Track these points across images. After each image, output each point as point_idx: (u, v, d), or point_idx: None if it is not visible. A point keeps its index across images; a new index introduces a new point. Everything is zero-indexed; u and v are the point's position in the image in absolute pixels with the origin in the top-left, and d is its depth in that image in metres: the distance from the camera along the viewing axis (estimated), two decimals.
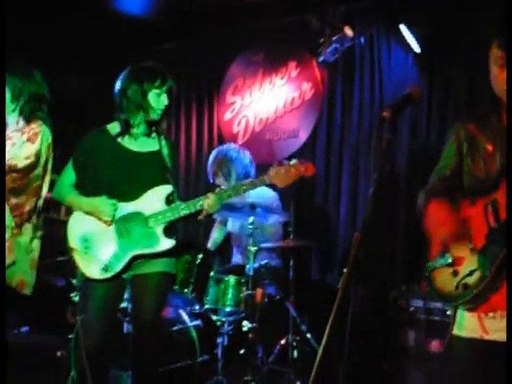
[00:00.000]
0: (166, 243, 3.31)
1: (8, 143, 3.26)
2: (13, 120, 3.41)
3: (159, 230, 3.30)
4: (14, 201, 3.25)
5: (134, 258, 3.28)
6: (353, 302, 2.03)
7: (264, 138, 5.96)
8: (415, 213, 2.65)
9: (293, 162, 3.44)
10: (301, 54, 5.83)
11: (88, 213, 3.35)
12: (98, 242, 3.29)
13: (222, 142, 6.17)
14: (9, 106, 3.41)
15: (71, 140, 3.65)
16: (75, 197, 3.42)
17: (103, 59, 6.42)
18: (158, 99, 3.38)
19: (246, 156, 5.02)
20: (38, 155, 3.29)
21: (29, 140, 3.27)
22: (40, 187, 3.38)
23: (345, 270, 2.04)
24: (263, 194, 4.82)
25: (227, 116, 6.27)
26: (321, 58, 5.46)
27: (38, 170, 3.34)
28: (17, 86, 3.39)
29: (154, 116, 3.41)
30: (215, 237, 5.32)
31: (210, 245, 5.26)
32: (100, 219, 3.30)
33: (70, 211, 5.38)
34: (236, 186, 3.47)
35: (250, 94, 6.14)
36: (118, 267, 3.25)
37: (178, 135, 6.48)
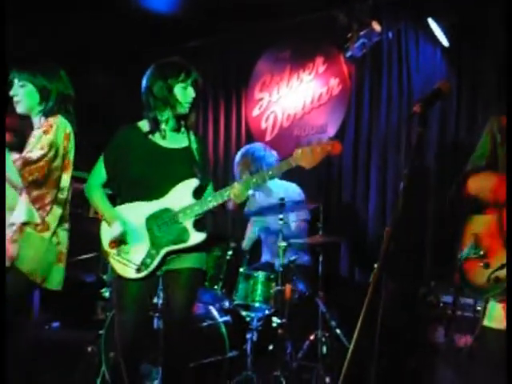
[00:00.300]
0: (197, 237, 3.30)
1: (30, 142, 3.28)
2: (38, 121, 3.41)
3: (189, 224, 3.30)
4: (34, 193, 3.20)
5: (167, 255, 3.29)
6: (384, 297, 2.03)
7: (292, 134, 5.96)
8: (445, 208, 2.65)
9: (318, 140, 3.33)
10: (328, 49, 5.83)
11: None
12: (130, 243, 3.30)
13: (250, 138, 6.19)
14: (36, 107, 3.39)
15: (99, 139, 3.65)
16: (100, 201, 3.43)
17: (130, 58, 6.46)
18: (184, 93, 3.37)
19: (272, 154, 5.01)
20: (53, 145, 3.23)
21: (44, 132, 3.24)
22: (59, 178, 3.31)
23: (376, 265, 2.04)
24: (289, 190, 4.83)
25: (255, 112, 6.29)
26: (348, 54, 5.46)
27: (57, 162, 3.27)
28: (45, 86, 3.36)
29: (182, 110, 3.40)
30: (250, 234, 5.32)
31: (244, 245, 5.26)
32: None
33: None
34: (261, 172, 3.40)
35: (277, 90, 6.15)
36: (152, 265, 3.25)
37: (206, 132, 6.50)
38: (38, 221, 3.24)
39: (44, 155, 3.21)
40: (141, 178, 3.34)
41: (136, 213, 3.32)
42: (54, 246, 3.33)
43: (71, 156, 3.36)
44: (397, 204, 2.05)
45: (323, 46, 5.87)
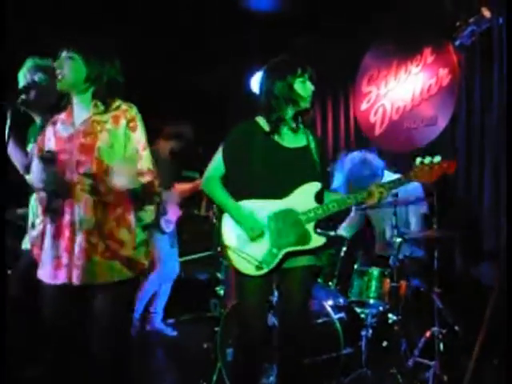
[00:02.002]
0: (318, 240, 3.31)
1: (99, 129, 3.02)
2: (82, 103, 3.09)
3: (310, 226, 3.31)
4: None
5: (287, 255, 3.29)
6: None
7: (402, 127, 5.87)
8: None
9: (436, 159, 3.40)
10: (436, 39, 5.69)
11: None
12: (251, 240, 3.32)
13: (358, 132, 6.16)
14: (80, 85, 3.05)
15: (213, 135, 3.66)
16: (222, 196, 3.42)
17: (238, 55, 6.53)
18: (304, 87, 3.36)
19: (376, 156, 4.95)
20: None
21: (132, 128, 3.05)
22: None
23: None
24: (408, 186, 4.75)
25: (363, 106, 6.26)
26: (457, 42, 5.32)
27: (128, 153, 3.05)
28: (95, 68, 3.04)
29: (305, 105, 3.40)
30: (353, 225, 5.30)
31: (345, 233, 5.16)
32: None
33: (209, 207, 5.57)
34: (383, 184, 3.43)
35: (385, 83, 6.10)
36: (272, 264, 3.27)
37: (314, 128, 6.48)
38: None
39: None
40: (262, 176, 3.32)
41: (258, 210, 3.32)
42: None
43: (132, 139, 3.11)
44: None
45: (431, 36, 5.73)
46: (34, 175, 2.97)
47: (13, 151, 3.47)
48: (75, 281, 2.89)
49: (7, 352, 2.95)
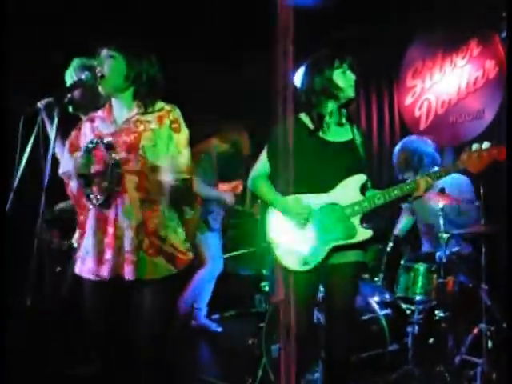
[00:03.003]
0: (364, 234, 3.28)
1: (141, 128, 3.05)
2: (123, 102, 3.12)
3: (356, 220, 3.28)
4: None
5: (333, 249, 3.28)
6: None
7: (447, 121, 5.79)
8: None
9: (485, 145, 3.31)
10: (482, 31, 5.59)
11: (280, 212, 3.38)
12: (296, 234, 3.31)
13: (403, 127, 6.10)
14: (122, 85, 3.07)
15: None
16: (268, 193, 3.43)
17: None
18: (344, 77, 3.33)
19: (429, 144, 4.87)
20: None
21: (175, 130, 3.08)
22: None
23: None
24: (453, 179, 4.68)
25: (408, 100, 6.20)
26: (504, 34, 5.21)
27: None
28: (135, 67, 3.06)
29: (348, 94, 3.36)
30: (403, 224, 5.24)
31: (396, 232, 5.16)
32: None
33: (254, 203, 5.58)
34: (429, 174, 3.37)
35: (430, 76, 6.02)
36: (318, 259, 3.25)
37: (358, 122, 6.43)
38: None
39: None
40: (307, 171, 3.31)
41: None
42: None
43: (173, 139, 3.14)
44: None
45: (477, 28, 5.63)
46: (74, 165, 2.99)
47: (59, 149, 3.52)
48: (127, 276, 2.93)
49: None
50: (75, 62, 3.78)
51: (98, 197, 2.97)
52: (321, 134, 3.38)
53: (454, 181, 4.63)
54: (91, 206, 3.02)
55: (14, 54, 4.09)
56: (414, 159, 4.76)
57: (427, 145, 4.86)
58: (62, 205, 4.21)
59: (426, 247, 5.00)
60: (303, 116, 3.45)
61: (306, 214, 3.26)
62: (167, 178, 2.93)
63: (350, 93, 3.37)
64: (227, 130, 6.01)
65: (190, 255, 3.14)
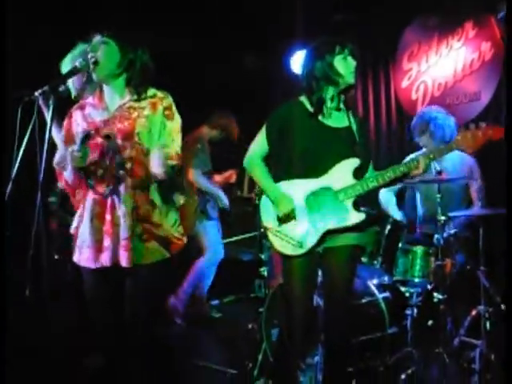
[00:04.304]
0: (356, 217, 3.29)
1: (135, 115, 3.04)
2: (115, 89, 3.12)
3: (349, 203, 3.29)
4: None
5: (326, 233, 3.29)
6: None
7: (444, 103, 5.76)
8: None
9: (479, 125, 3.31)
10: (477, 12, 5.57)
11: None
12: (279, 219, 3.33)
13: (400, 110, 6.11)
14: (114, 71, 3.06)
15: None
16: (261, 177, 3.46)
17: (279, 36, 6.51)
18: (344, 63, 3.33)
19: (451, 119, 4.85)
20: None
21: (167, 117, 3.08)
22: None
23: None
24: (457, 160, 4.68)
25: (404, 83, 6.20)
26: (500, 14, 5.19)
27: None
28: (128, 54, 3.06)
29: (349, 80, 3.36)
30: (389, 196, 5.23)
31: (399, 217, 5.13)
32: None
33: (252, 188, 5.59)
34: (423, 155, 3.38)
35: (426, 59, 6.02)
36: (311, 243, 3.27)
37: (355, 106, 6.42)
38: None
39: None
40: (303, 155, 3.33)
41: (296, 190, 3.34)
42: None
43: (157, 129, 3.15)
44: None
45: (472, 10, 5.61)
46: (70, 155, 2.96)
47: (58, 136, 3.51)
48: (124, 263, 2.94)
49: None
50: (70, 55, 3.77)
51: (105, 185, 2.99)
52: (321, 118, 3.39)
53: (463, 161, 4.64)
54: (96, 196, 3.02)
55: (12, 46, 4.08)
56: (433, 126, 4.73)
57: (450, 119, 4.82)
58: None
59: (424, 229, 5.00)
60: (303, 99, 3.45)
61: (288, 211, 3.29)
62: (158, 166, 2.94)
63: (351, 79, 3.37)
64: (215, 116, 6.06)
65: (184, 240, 3.16)
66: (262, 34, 6.52)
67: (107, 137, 2.96)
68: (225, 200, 5.99)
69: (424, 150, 4.78)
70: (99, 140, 2.98)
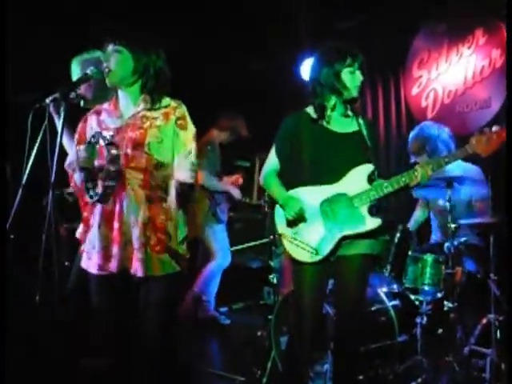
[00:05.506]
0: (372, 222, 3.29)
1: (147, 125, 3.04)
2: (130, 96, 3.12)
3: (364, 209, 3.28)
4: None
5: (342, 239, 3.28)
6: None
7: (454, 111, 5.78)
8: None
9: (494, 128, 3.31)
10: (487, 19, 5.57)
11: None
12: (305, 226, 3.32)
13: (410, 117, 6.11)
14: (128, 78, 3.07)
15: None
16: (274, 187, 3.46)
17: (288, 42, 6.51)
18: (352, 77, 3.33)
19: (445, 131, 4.84)
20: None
21: (181, 126, 3.08)
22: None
23: None
24: (464, 168, 4.66)
25: (414, 91, 6.20)
26: None
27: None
28: (142, 61, 3.05)
29: (351, 94, 3.37)
30: (417, 216, 5.25)
31: (410, 225, 5.12)
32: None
33: (261, 196, 5.59)
34: (438, 159, 3.38)
35: (436, 66, 6.02)
36: (327, 249, 3.26)
37: (365, 113, 6.41)
38: None
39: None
40: (313, 163, 3.34)
41: (310, 197, 3.33)
42: None
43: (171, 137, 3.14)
44: None
45: (482, 17, 5.61)
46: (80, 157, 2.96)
47: (68, 143, 3.52)
48: (137, 273, 2.94)
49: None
50: (79, 57, 3.78)
51: (97, 191, 2.96)
52: (325, 124, 3.40)
53: (467, 172, 4.61)
54: (89, 200, 3.01)
55: (16, 50, 4.10)
56: (428, 144, 4.73)
57: (443, 131, 4.82)
58: (70, 189, 4.21)
59: (435, 236, 5.00)
60: (309, 108, 3.46)
61: (296, 210, 3.27)
62: (186, 170, 2.88)
63: (354, 93, 3.38)
64: (224, 118, 6.09)
65: (187, 257, 3.13)
66: (262, 34, 6.53)
67: (109, 144, 2.94)
68: (237, 193, 6.04)
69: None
70: (104, 147, 2.96)
